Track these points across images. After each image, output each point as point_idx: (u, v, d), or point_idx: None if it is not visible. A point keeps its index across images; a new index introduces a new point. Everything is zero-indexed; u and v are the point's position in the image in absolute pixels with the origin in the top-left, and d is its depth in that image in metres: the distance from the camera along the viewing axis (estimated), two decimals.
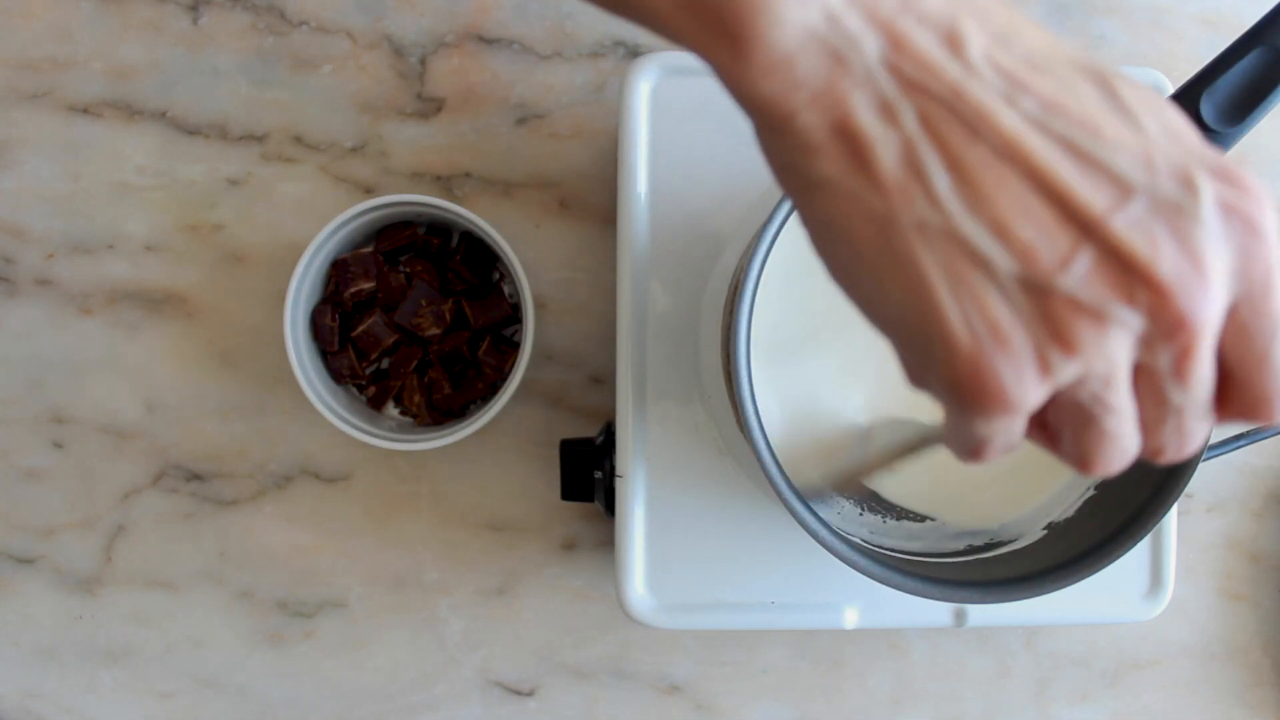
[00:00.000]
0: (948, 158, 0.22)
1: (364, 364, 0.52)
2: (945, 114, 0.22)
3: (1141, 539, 0.38)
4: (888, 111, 0.22)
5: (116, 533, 0.53)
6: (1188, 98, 0.38)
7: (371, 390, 0.52)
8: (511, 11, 0.53)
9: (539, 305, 0.53)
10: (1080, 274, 0.21)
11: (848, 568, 0.36)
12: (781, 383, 0.43)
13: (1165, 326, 0.22)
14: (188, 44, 0.53)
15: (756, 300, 0.37)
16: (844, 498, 0.44)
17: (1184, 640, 0.56)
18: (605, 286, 0.54)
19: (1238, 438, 0.52)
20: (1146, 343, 0.22)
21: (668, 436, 0.45)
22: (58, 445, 0.53)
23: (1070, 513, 0.42)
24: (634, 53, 0.53)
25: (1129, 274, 0.21)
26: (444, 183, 0.53)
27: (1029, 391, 0.22)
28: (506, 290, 0.53)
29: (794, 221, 0.40)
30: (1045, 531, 0.41)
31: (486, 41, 0.53)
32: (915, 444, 0.41)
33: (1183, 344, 0.22)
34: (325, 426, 0.53)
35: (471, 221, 0.49)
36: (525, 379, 0.51)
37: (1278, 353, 0.23)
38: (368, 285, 0.51)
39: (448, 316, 0.51)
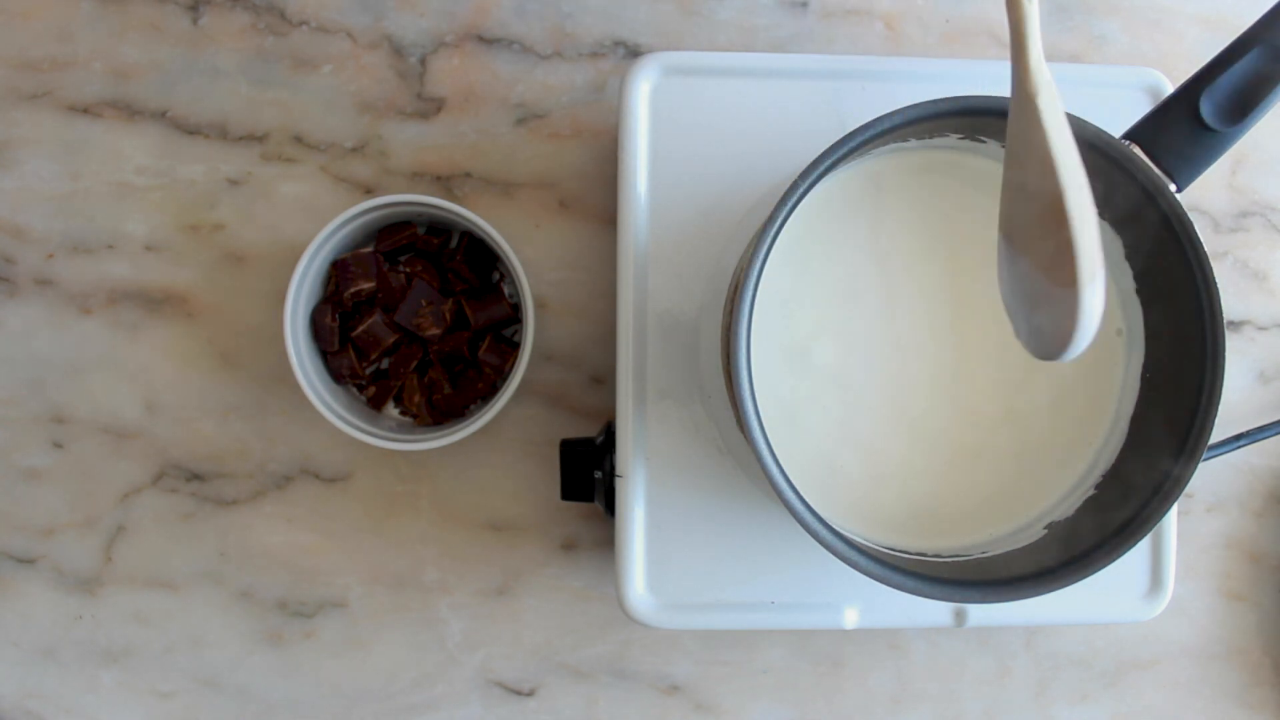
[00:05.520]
0: None
1: (364, 364, 0.52)
2: None
3: (1141, 539, 0.38)
4: None
5: (116, 533, 0.53)
6: (1188, 97, 0.38)
7: (371, 390, 0.52)
8: (511, 11, 0.53)
9: (539, 305, 0.53)
10: None
11: (848, 568, 0.36)
12: (781, 383, 0.43)
13: None
14: (188, 44, 0.53)
15: (757, 299, 0.37)
16: None
17: (1184, 640, 0.56)
18: (605, 286, 0.54)
19: (1238, 437, 0.52)
20: None
21: (668, 436, 0.45)
22: (58, 445, 0.53)
23: (1070, 513, 0.42)
24: (634, 53, 0.53)
25: None
26: (444, 183, 0.53)
27: None
28: (506, 290, 0.53)
29: (794, 221, 0.40)
30: (1045, 531, 0.41)
31: (486, 41, 0.53)
32: None
33: None
34: (325, 426, 0.53)
35: (471, 221, 0.49)
36: (525, 379, 0.51)
37: None
38: (368, 285, 0.51)
39: (448, 316, 0.51)
